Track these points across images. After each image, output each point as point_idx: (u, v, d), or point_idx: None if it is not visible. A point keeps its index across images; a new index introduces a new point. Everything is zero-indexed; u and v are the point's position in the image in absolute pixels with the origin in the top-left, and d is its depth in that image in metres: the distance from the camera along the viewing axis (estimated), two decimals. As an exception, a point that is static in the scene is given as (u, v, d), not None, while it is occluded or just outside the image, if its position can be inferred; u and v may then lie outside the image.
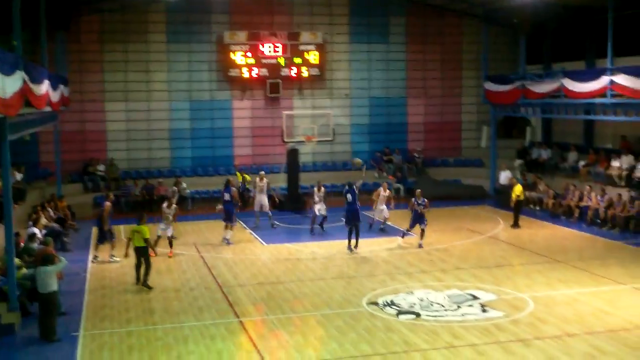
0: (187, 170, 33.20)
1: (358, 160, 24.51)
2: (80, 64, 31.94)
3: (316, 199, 25.54)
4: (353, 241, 22.43)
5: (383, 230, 25.22)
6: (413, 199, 23.07)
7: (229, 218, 24.22)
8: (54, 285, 14.97)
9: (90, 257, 22.12)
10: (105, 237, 22.13)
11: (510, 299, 17.12)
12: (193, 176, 32.73)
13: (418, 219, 22.79)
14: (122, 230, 25.03)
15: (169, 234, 22.44)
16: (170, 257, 22.10)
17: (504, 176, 30.69)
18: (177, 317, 16.22)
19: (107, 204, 22.53)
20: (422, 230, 22.76)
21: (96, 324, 15.88)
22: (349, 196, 22.47)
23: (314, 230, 25.45)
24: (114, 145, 32.67)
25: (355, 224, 22.32)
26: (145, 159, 33.12)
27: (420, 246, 22.60)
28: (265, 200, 26.64)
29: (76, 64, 31.71)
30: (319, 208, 25.40)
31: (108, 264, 21.42)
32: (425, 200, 22.89)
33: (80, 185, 31.27)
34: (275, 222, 26.86)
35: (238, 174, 29.86)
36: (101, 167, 31.73)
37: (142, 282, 18.67)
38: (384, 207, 25.11)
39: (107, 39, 32.34)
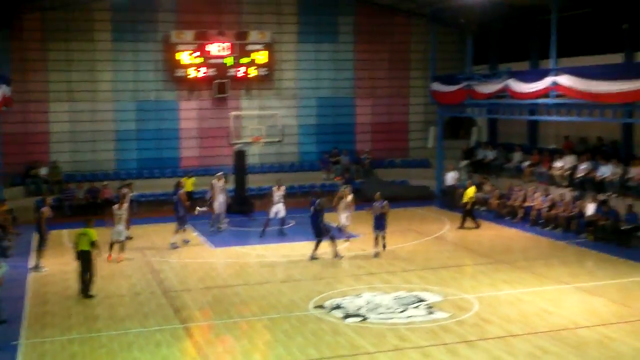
0: (132, 173, 32.69)
1: (346, 189, 23.62)
2: (23, 63, 31.36)
3: (275, 198, 25.17)
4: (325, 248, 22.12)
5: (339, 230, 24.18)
6: (374, 203, 22.29)
7: (178, 220, 23.94)
8: (-7, 293, 14.61)
9: (32, 264, 21.49)
10: (41, 244, 21.30)
11: (456, 300, 17.27)
12: (139, 178, 32.27)
13: (378, 224, 22.03)
14: (65, 235, 24.62)
15: (122, 237, 22.10)
16: (119, 261, 21.72)
17: (451, 177, 31.10)
18: (121, 324, 15.96)
19: (44, 209, 21.70)
20: (382, 237, 22.01)
21: (37, 332, 15.54)
22: (311, 208, 22.05)
23: (265, 233, 25.11)
24: (58, 147, 32.07)
25: (319, 237, 21.81)
26: (90, 161, 32.61)
27: (376, 255, 21.89)
28: (224, 201, 26.22)
29: (18, 63, 31.12)
30: (277, 210, 25.10)
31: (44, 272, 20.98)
32: (385, 201, 22.19)
33: (22, 189, 30.59)
34: (223, 225, 26.61)
35: (185, 179, 29.51)
36: (44, 170, 31.07)
37: (85, 291, 17.90)
38: (348, 214, 23.93)
39: (51, 38, 31.77)
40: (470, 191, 26.41)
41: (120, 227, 22.05)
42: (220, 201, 26.06)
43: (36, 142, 31.74)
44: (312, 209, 22.00)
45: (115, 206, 22.48)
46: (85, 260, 18.05)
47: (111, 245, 21.99)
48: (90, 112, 32.43)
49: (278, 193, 25.25)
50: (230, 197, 30.39)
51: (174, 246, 23.64)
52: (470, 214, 26.34)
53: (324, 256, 22.11)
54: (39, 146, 31.77)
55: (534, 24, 31.66)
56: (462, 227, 26.18)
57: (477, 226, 26.21)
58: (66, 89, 32.14)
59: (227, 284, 19.25)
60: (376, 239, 22.06)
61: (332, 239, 21.87)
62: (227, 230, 26.47)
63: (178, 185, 24.63)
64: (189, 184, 29.27)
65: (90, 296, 17.82)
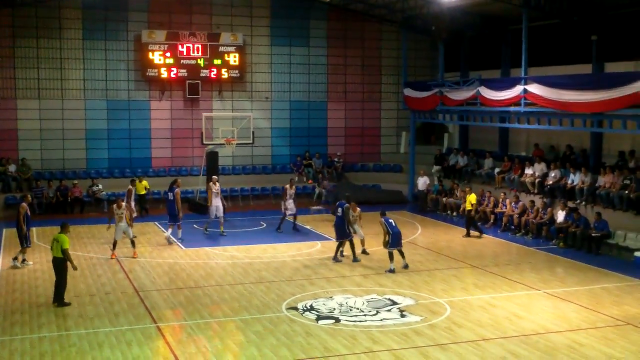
0: (103, 172, 32.57)
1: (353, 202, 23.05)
2: (-10, 58, 31.05)
3: (287, 197, 25.68)
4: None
5: (365, 252, 22.75)
6: (389, 220, 21.13)
7: (171, 218, 24.32)
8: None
9: (11, 262, 21.15)
10: (20, 240, 20.97)
11: (428, 304, 17.34)
12: (109, 177, 32.09)
13: (398, 238, 20.90)
14: (34, 233, 24.29)
15: (130, 235, 22.23)
16: (134, 257, 22.07)
17: (423, 182, 31.25)
18: (91, 323, 15.80)
19: (22, 204, 21.28)
20: (400, 252, 21.03)
21: (6, 330, 15.35)
22: (339, 210, 21.97)
23: (281, 227, 26.12)
24: (27, 145, 31.71)
25: (341, 240, 21.92)
26: (60, 159, 32.27)
27: (406, 267, 20.91)
28: (220, 204, 25.83)
29: (-14, 58, 30.82)
30: (290, 207, 25.77)
31: (20, 269, 20.77)
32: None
33: (-11, 185, 30.21)
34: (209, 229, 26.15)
35: (137, 181, 29.24)
36: (12, 167, 30.66)
37: (58, 300, 17.10)
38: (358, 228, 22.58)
39: (20, 34, 31.46)
40: (472, 198, 26.11)
41: (123, 224, 22.01)
42: (217, 205, 25.67)
43: (4, 139, 31.38)
44: (339, 210, 21.95)
45: (114, 205, 22.44)
46: (56, 267, 17.36)
47: (114, 245, 22.26)
48: (59, 109, 32.12)
49: (290, 191, 25.78)
50: (202, 198, 30.39)
51: (169, 241, 24.23)
52: (470, 221, 26.00)
53: (298, 257, 22.18)
54: (7, 143, 31.41)
55: (504, 33, 32.00)
56: (468, 235, 25.83)
57: (477, 233, 26.00)
58: (35, 86, 31.79)
59: (198, 284, 19.13)
60: (400, 252, 21.02)
61: (352, 242, 21.98)
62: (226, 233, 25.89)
63: (174, 184, 24.73)
64: (140, 186, 28.91)
65: (65, 303, 17.07)
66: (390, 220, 20.90)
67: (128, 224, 22.24)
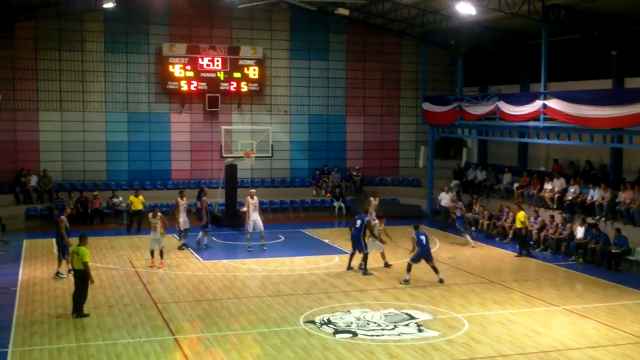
0: (123, 184, 32.76)
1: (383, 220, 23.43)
2: (13, 71, 31.45)
3: (370, 208, 25.94)
4: (355, 262, 22.38)
5: (387, 265, 22.92)
6: (420, 235, 21.12)
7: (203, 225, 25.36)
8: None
9: (53, 274, 21.33)
10: (60, 251, 21.11)
11: (446, 319, 17.27)
12: (129, 190, 32.20)
13: (426, 255, 21.03)
14: (54, 245, 24.43)
15: (161, 245, 22.53)
16: (160, 268, 22.32)
17: (448, 198, 30.23)
18: (110, 334, 15.87)
19: (62, 218, 21.39)
20: (433, 268, 21.02)
21: (26, 340, 15.45)
22: (358, 222, 22.19)
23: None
24: (48, 156, 32.00)
25: (355, 249, 22.27)
26: (80, 171, 32.56)
27: (441, 281, 20.84)
28: (258, 218, 25.54)
29: (9, 71, 31.25)
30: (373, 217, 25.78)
31: (40, 278, 20.94)
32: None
33: (11, 197, 30.53)
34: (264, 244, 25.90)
35: (132, 197, 29.22)
36: (34, 180, 30.91)
37: (77, 311, 17.17)
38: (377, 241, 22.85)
39: (43, 47, 31.83)
40: (521, 215, 25.33)
41: (157, 234, 22.34)
42: (254, 219, 25.31)
43: (26, 151, 31.70)
44: (358, 222, 22.12)
45: (150, 214, 22.87)
46: (77, 279, 17.44)
47: (152, 253, 22.62)
48: (80, 122, 32.42)
49: (375, 203, 26.08)
50: (221, 211, 30.50)
51: (204, 246, 25.46)
52: (523, 239, 25.31)
53: (316, 271, 22.19)
54: (29, 154, 31.72)
55: (524, 48, 31.97)
56: (520, 254, 25.18)
57: (527, 254, 25.28)
58: (57, 98, 32.11)
59: (216, 297, 19.17)
60: (433, 268, 21.07)
61: (366, 257, 22.10)
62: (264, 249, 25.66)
63: (201, 192, 25.81)
64: (137, 201, 28.77)
65: (84, 314, 17.15)
66: (422, 237, 20.92)
67: (162, 234, 22.50)
